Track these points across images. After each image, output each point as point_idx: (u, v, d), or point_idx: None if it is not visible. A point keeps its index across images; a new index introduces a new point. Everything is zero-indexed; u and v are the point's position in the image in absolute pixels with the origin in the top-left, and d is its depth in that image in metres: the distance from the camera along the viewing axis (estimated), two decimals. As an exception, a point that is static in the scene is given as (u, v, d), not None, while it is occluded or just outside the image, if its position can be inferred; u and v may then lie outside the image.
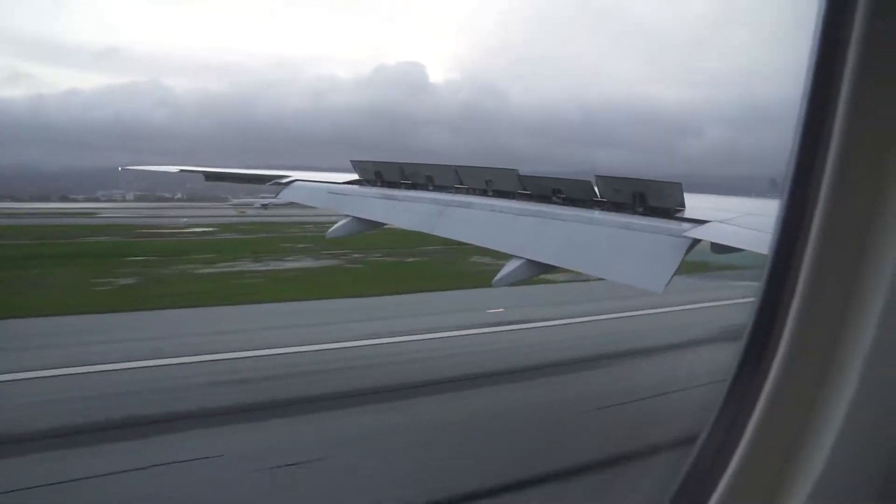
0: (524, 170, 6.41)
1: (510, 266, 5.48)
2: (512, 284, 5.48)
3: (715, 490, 1.31)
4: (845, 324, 1.16)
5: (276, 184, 10.11)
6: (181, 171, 12.83)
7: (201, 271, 22.22)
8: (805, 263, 1.20)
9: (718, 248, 4.93)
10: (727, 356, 1.44)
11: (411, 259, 27.07)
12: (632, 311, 13.66)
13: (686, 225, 4.76)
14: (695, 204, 5.17)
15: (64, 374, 9.23)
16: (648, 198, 5.17)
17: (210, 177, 12.01)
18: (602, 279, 5.45)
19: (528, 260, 5.41)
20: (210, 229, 43.59)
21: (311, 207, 9.50)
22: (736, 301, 13.14)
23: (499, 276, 5.52)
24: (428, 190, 7.42)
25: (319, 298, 16.48)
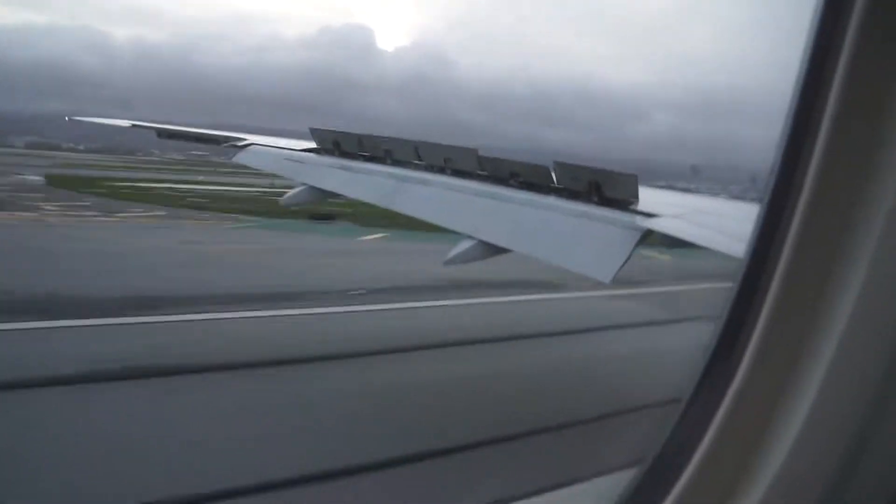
0: (473, 144, 6.39)
1: (462, 246, 5.45)
2: (462, 264, 5.45)
3: (669, 493, 1.32)
4: (813, 330, 1.18)
5: (232, 146, 9.81)
6: (133, 125, 12.33)
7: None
8: (780, 266, 1.20)
9: (669, 242, 4.99)
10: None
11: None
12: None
13: (638, 217, 4.79)
14: (648, 197, 5.21)
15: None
16: (604, 187, 5.18)
17: (162, 134, 11.59)
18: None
19: (481, 241, 5.38)
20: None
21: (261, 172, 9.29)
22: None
23: (450, 255, 5.48)
24: (386, 164, 7.30)
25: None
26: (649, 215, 4.80)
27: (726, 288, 1.37)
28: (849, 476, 1.17)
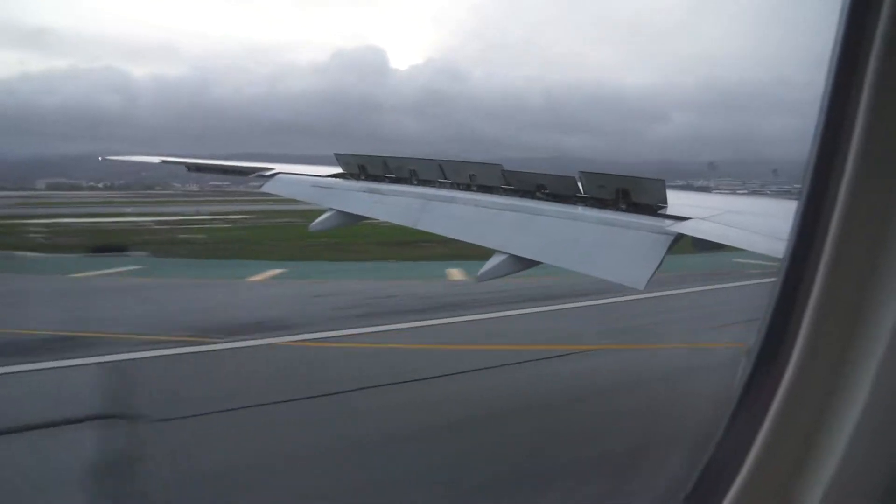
0: (490, 156, 6.44)
1: (494, 261, 5.47)
2: (495, 279, 5.47)
3: (728, 491, 1.31)
4: (860, 325, 1.15)
5: (260, 176, 10.02)
6: (163, 161, 12.67)
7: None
8: (822, 263, 1.18)
9: (700, 245, 4.95)
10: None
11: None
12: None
13: (668, 222, 4.77)
14: (677, 201, 5.18)
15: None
16: (632, 194, 5.17)
17: (192, 168, 11.89)
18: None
19: (512, 255, 5.40)
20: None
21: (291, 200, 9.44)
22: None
23: (482, 270, 5.50)
24: (412, 184, 7.38)
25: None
26: (679, 219, 4.77)
27: (769, 287, 1.37)
28: None
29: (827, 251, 1.17)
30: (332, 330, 11.57)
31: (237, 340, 10.76)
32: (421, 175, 7.34)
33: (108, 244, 23.87)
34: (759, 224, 4.61)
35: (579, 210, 5.49)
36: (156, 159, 12.92)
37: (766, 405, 1.27)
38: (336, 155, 8.60)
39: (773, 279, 1.36)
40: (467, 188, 6.74)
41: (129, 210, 51.46)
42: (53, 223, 41.70)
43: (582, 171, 5.60)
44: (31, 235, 33.43)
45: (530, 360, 9.84)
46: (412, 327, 11.95)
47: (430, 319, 12.44)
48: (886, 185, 1.11)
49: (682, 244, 4.66)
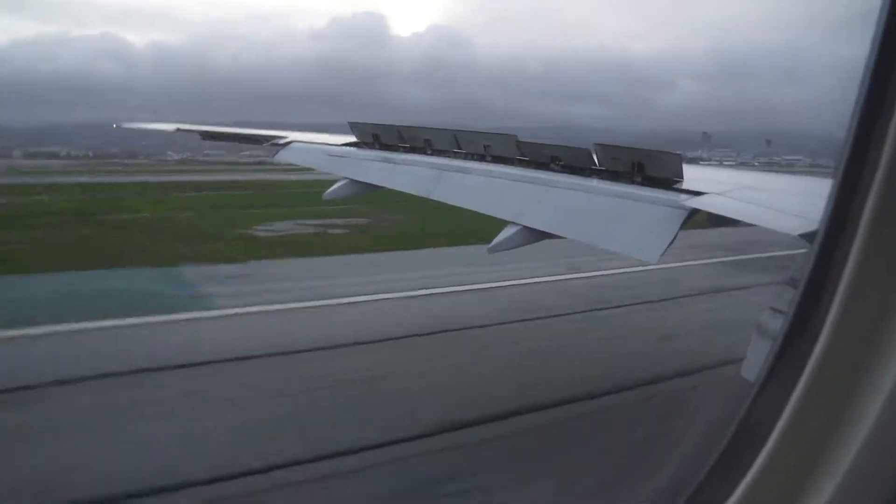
0: (496, 125, 6.41)
1: (507, 232, 5.49)
2: (507, 250, 5.50)
3: (733, 491, 1.31)
4: (885, 325, 1.13)
5: (274, 144, 10.04)
6: (178, 129, 12.70)
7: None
8: (850, 260, 1.15)
9: (715, 221, 4.95)
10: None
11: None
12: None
13: (683, 196, 4.76)
14: (693, 175, 5.16)
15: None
16: (647, 167, 5.15)
17: (206, 136, 11.93)
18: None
19: (525, 227, 5.42)
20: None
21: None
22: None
23: (495, 241, 5.53)
24: (426, 154, 7.38)
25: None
26: (695, 193, 4.76)
27: (796, 273, 1.32)
28: None
29: (858, 238, 1.13)
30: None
31: None
32: (435, 145, 7.34)
33: None
34: (775, 200, 4.59)
35: (594, 182, 5.48)
36: (170, 127, 12.95)
37: (788, 390, 1.25)
38: (350, 123, 8.59)
39: (798, 270, 1.32)
40: (482, 159, 6.73)
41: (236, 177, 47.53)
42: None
43: (597, 143, 5.57)
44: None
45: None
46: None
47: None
48: None
49: (697, 219, 4.66)
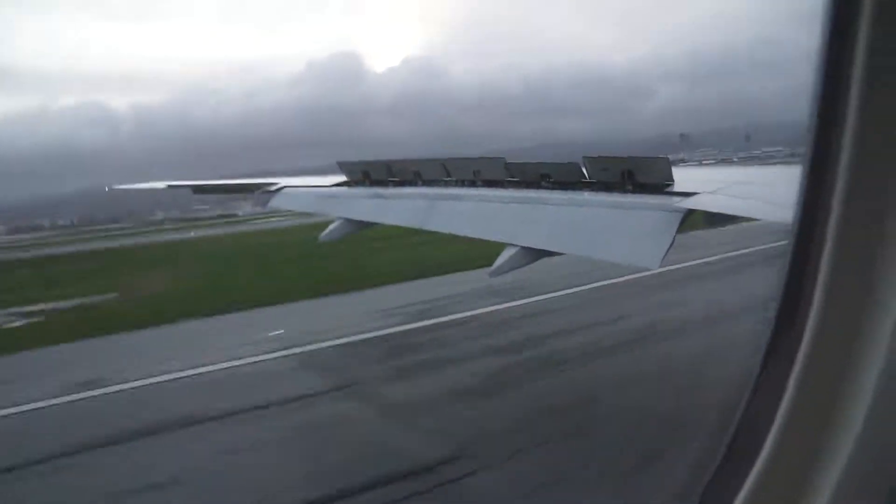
0: (480, 150, 6.46)
1: (505, 255, 5.48)
2: (508, 272, 5.48)
3: (742, 487, 1.30)
4: (867, 315, 1.13)
5: (266, 192, 10.09)
6: (168, 186, 12.78)
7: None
8: (825, 254, 1.16)
9: (711, 220, 4.96)
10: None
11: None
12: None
13: (676, 199, 4.77)
14: (683, 177, 5.19)
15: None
16: (637, 175, 5.18)
17: (197, 190, 12.00)
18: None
19: (522, 247, 5.41)
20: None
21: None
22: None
23: (495, 265, 5.52)
24: (416, 185, 7.42)
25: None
26: (687, 194, 4.78)
27: (777, 273, 1.33)
28: None
29: (833, 221, 1.13)
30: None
31: None
32: (425, 175, 7.38)
33: None
34: (768, 193, 4.60)
35: (585, 195, 5.50)
36: (161, 184, 13.04)
37: (776, 400, 1.25)
38: (339, 163, 8.66)
39: (779, 269, 1.32)
40: (472, 184, 6.76)
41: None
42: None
43: (585, 156, 5.61)
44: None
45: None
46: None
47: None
48: (888, 156, 1.07)
49: (693, 219, 4.66)
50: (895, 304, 1.10)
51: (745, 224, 4.36)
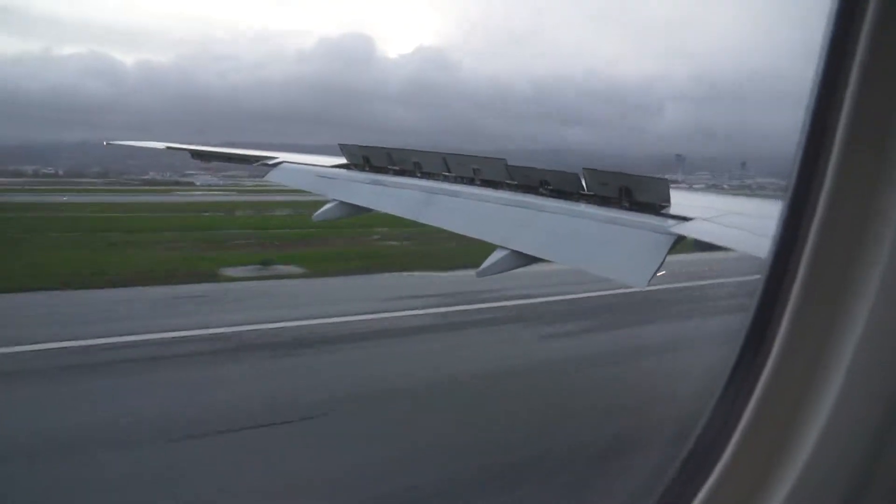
0: (488, 147, 6.45)
1: (495, 256, 5.48)
2: (496, 274, 5.48)
3: (700, 489, 1.35)
4: (836, 325, 1.19)
5: (264, 165, 10.04)
6: (168, 147, 12.69)
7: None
8: (802, 264, 1.21)
9: (701, 246, 4.96)
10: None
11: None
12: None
13: (671, 221, 4.77)
14: (680, 200, 5.19)
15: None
16: (635, 192, 5.17)
17: (196, 155, 11.92)
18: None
19: (513, 251, 5.41)
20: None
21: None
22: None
23: (483, 266, 5.51)
24: (415, 177, 7.39)
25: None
26: (681, 219, 4.78)
27: (752, 290, 1.39)
28: (869, 476, 1.18)
29: (807, 255, 1.20)
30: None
31: None
32: (425, 168, 7.35)
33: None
34: (761, 226, 4.61)
35: (582, 207, 5.49)
36: (160, 145, 12.95)
37: (744, 403, 1.29)
38: (341, 145, 8.61)
39: (758, 277, 1.39)
40: (471, 182, 6.74)
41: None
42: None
43: (585, 168, 5.60)
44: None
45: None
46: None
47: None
48: (864, 191, 1.13)
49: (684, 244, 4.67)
50: (860, 321, 1.15)
51: (734, 253, 4.38)
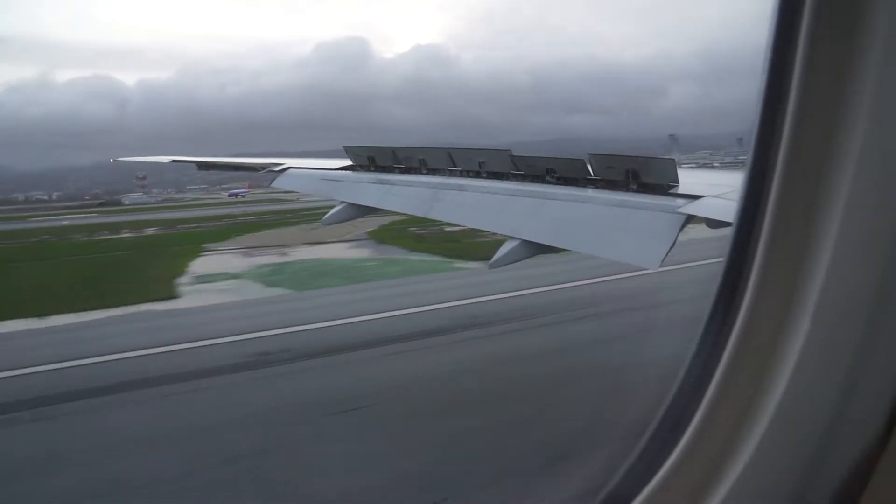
0: (491, 141, 6.46)
1: (506, 247, 5.49)
2: (508, 264, 5.50)
3: (648, 483, 1.38)
4: (791, 307, 1.22)
5: (270, 171, 10.07)
6: (173, 161, 12.75)
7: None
8: (759, 252, 1.24)
9: (713, 224, 4.95)
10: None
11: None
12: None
13: (680, 201, 4.76)
14: (688, 179, 5.17)
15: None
16: (642, 175, 5.17)
17: (202, 166, 11.97)
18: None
19: (524, 241, 5.42)
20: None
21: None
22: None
23: (495, 257, 5.53)
24: (421, 174, 7.40)
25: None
26: (691, 197, 4.77)
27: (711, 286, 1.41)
28: (816, 470, 1.22)
29: (763, 241, 1.22)
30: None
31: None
32: (430, 164, 7.36)
33: None
34: None
35: (590, 192, 5.49)
36: (166, 159, 13.00)
37: (706, 381, 1.32)
38: (345, 147, 8.62)
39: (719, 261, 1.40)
40: (477, 175, 6.75)
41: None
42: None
43: (591, 153, 5.59)
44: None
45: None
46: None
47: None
48: (812, 180, 1.16)
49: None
50: (809, 307, 1.18)
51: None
